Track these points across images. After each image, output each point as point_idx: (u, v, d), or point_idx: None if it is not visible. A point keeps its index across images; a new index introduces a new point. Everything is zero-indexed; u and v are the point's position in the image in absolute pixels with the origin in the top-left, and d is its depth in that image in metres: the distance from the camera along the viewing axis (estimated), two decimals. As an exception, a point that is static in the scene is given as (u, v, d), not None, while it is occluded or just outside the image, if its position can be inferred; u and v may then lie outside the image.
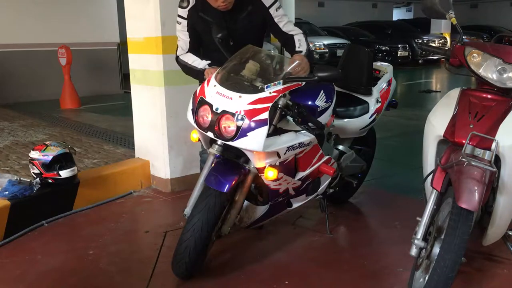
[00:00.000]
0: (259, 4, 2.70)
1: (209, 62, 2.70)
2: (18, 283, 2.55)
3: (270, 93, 2.26)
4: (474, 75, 2.23)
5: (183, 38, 2.80)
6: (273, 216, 2.71)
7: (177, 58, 2.85)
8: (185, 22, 2.75)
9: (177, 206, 3.53)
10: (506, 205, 2.18)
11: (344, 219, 3.33)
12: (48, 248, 2.94)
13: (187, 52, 2.81)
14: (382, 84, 3.26)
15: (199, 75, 2.74)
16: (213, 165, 2.43)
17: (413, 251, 2.12)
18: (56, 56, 8.13)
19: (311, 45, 2.93)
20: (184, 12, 2.73)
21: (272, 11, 2.71)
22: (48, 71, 8.78)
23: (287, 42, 2.78)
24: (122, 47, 8.31)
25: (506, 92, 2.21)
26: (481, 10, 23.50)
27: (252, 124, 2.19)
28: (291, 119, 2.36)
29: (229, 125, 2.23)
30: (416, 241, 2.11)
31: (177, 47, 2.86)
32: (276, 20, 2.73)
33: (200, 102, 2.35)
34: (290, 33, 2.76)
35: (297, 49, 2.71)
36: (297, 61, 2.48)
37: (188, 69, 2.81)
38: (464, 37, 2.32)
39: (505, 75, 2.15)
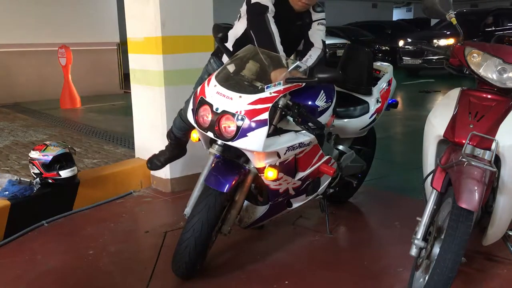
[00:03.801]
0: (310, 17, 2.87)
1: (284, 55, 2.57)
2: (18, 283, 2.55)
3: (270, 93, 2.26)
4: (474, 75, 2.23)
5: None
6: (273, 216, 2.70)
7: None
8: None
9: (177, 206, 3.53)
10: (506, 205, 2.17)
11: (344, 219, 3.34)
12: (48, 248, 2.94)
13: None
14: (382, 84, 3.26)
15: (269, 46, 2.52)
16: (213, 165, 2.43)
17: (413, 251, 2.12)
18: (56, 56, 8.14)
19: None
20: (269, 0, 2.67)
21: (314, 24, 2.88)
22: (48, 71, 8.78)
23: (304, 48, 2.92)
24: (122, 47, 8.31)
25: (506, 92, 2.21)
26: (481, 10, 23.46)
27: (252, 124, 2.19)
28: (291, 119, 2.36)
29: (229, 125, 2.23)
30: (416, 241, 2.11)
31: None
32: (310, 31, 2.89)
33: (200, 102, 2.35)
34: (311, 40, 2.89)
35: (302, 61, 2.77)
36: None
37: (264, 33, 2.57)
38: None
39: (505, 75, 2.15)
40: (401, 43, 12.69)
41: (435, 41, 11.50)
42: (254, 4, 2.63)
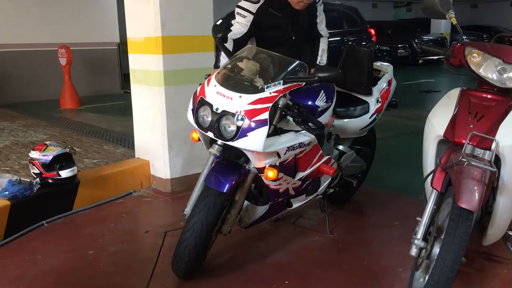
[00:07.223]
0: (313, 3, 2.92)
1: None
2: (18, 283, 2.55)
3: (270, 93, 2.26)
4: (474, 75, 2.23)
5: (239, 28, 2.80)
6: (273, 216, 2.71)
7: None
8: (250, 17, 2.80)
9: (177, 206, 3.54)
10: (506, 205, 2.18)
11: (344, 219, 3.34)
12: (48, 248, 2.94)
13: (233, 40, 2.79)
14: (382, 84, 3.26)
15: (215, 66, 2.83)
16: (213, 165, 2.43)
17: (413, 251, 2.12)
18: (56, 56, 8.14)
19: None
20: (252, 7, 2.79)
21: (318, 5, 2.98)
22: (48, 71, 8.78)
23: (314, 40, 3.03)
24: (122, 47, 8.31)
25: (506, 92, 2.21)
26: (481, 10, 23.48)
27: (252, 124, 2.19)
28: (291, 119, 2.36)
29: (229, 125, 2.23)
30: (416, 241, 2.11)
31: (230, 27, 2.80)
32: (317, 14, 2.99)
33: (200, 102, 2.35)
34: (321, 32, 3.04)
35: (318, 61, 2.96)
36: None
37: (217, 52, 2.85)
38: (464, 37, 2.32)
39: (505, 75, 2.15)
40: None
41: None
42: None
